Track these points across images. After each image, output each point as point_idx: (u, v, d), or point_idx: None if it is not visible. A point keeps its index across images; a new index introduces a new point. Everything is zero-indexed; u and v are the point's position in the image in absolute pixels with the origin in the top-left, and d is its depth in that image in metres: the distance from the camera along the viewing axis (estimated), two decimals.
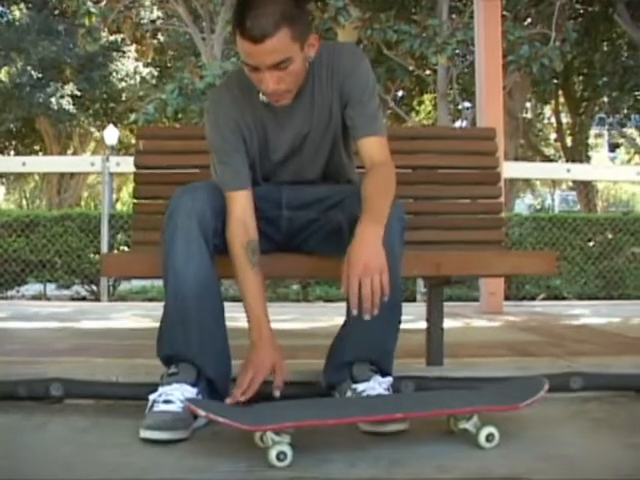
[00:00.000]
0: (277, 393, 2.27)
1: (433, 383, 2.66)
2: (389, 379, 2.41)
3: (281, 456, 1.92)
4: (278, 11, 2.19)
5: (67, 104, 21.76)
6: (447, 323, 3.18)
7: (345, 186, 2.59)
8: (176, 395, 2.23)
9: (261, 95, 2.40)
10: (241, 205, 2.43)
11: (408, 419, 2.20)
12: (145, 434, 2.14)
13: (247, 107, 2.45)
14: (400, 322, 2.46)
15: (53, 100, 21.42)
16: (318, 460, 1.98)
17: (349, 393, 2.36)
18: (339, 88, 2.45)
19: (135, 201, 3.25)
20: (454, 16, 12.82)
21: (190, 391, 2.26)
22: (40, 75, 21.49)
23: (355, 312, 2.11)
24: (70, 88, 21.85)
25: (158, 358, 2.41)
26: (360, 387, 2.34)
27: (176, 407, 2.19)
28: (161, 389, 2.27)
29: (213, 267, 2.37)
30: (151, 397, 2.27)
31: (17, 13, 22.79)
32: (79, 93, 22.21)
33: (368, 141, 2.43)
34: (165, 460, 1.99)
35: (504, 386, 2.48)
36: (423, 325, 3.17)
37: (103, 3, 11.97)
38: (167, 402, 2.21)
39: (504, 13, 9.16)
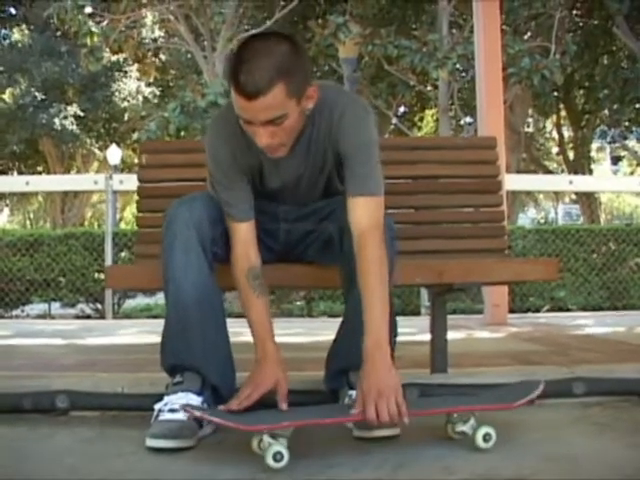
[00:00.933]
0: (283, 406, 2.23)
1: (437, 390, 2.67)
2: None
3: (277, 456, 1.92)
4: (273, 66, 2.11)
5: (70, 125, 21.83)
6: (451, 335, 3.19)
7: (336, 197, 2.54)
8: (181, 404, 2.24)
9: None
10: (243, 237, 2.42)
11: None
12: (151, 443, 2.15)
13: (243, 140, 2.36)
14: (395, 330, 2.47)
15: (56, 121, 21.49)
16: (322, 466, 1.99)
17: (346, 399, 2.37)
18: (335, 144, 2.38)
19: (139, 215, 3.27)
20: (454, 31, 12.88)
21: (195, 399, 2.27)
22: (43, 96, 21.57)
23: None
24: (73, 109, 21.93)
25: (162, 368, 2.42)
26: (355, 393, 2.31)
27: (182, 416, 2.20)
28: (166, 398, 2.28)
29: (213, 275, 2.39)
30: (156, 406, 2.28)
31: (19, 35, 22.91)
32: (82, 114, 22.28)
33: (356, 202, 2.33)
34: (170, 468, 2.01)
35: (501, 389, 2.49)
36: (428, 337, 3.18)
37: (105, 23, 12.04)
38: (172, 411, 2.22)
39: (503, 27, 9.19)
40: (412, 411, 2.11)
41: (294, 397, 2.42)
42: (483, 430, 2.13)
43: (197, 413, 2.05)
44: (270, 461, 1.92)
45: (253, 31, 12.57)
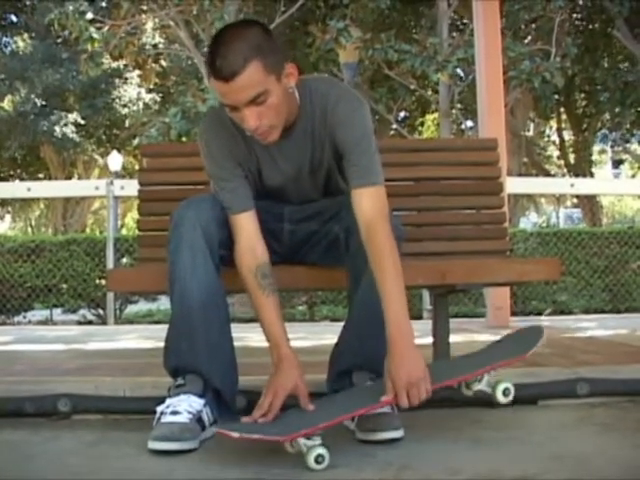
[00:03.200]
0: (310, 408, 2.22)
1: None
2: None
3: (319, 459, 1.94)
4: (245, 46, 2.15)
5: (71, 132, 21.85)
6: (453, 338, 3.18)
7: (340, 197, 2.54)
8: (183, 406, 2.23)
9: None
10: (246, 230, 2.40)
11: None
12: (153, 445, 2.15)
13: (239, 136, 2.39)
14: None
15: (57, 128, 21.50)
16: (326, 467, 1.98)
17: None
18: (332, 136, 2.39)
19: (140, 218, 3.27)
20: (454, 34, 12.88)
21: (197, 402, 2.26)
22: (44, 103, 21.58)
23: None
24: (74, 117, 21.94)
25: (165, 370, 2.41)
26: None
27: (184, 418, 2.19)
28: (168, 400, 2.28)
29: (219, 278, 2.37)
30: (159, 409, 2.28)
31: (21, 43, 22.94)
32: (83, 121, 22.30)
33: (360, 193, 2.33)
34: (173, 470, 2.00)
35: (506, 343, 2.49)
36: (430, 340, 3.18)
37: (105, 28, 12.05)
38: (175, 413, 2.21)
39: (504, 30, 9.19)
40: (436, 384, 2.12)
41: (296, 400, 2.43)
42: (502, 386, 2.17)
43: (235, 435, 2.00)
44: (313, 464, 1.93)
45: None
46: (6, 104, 21.67)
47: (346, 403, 2.21)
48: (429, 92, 15.60)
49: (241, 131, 2.33)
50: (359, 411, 2.12)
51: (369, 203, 2.31)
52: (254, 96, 2.17)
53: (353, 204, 2.34)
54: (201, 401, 2.28)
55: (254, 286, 2.36)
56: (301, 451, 1.97)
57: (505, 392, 2.16)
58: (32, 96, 21.42)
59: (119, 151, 22.97)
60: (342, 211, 2.47)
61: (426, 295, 7.79)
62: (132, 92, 23.14)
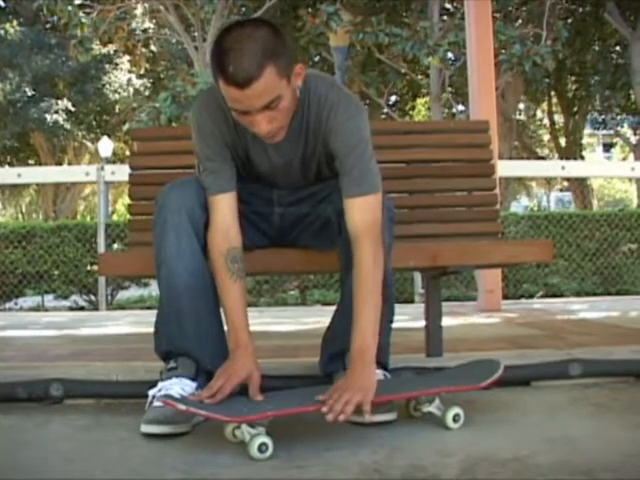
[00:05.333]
0: (258, 398, 2.16)
1: (402, 373, 2.66)
2: (382, 371, 2.40)
3: (263, 447, 1.92)
4: (259, 49, 2.06)
5: (62, 120, 21.77)
6: (445, 321, 3.18)
7: (332, 181, 2.49)
8: (175, 389, 2.23)
9: None
10: (222, 211, 2.36)
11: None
12: (146, 429, 2.15)
13: (231, 119, 2.32)
14: (392, 314, 2.47)
15: (48, 116, 21.42)
16: (319, 449, 1.98)
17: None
18: (326, 141, 2.36)
19: (131, 202, 3.25)
20: (445, 18, 12.85)
21: (189, 385, 2.26)
22: (34, 90, 21.48)
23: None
24: (64, 103, 21.85)
25: (156, 354, 2.40)
26: None
27: None
28: (160, 384, 2.27)
29: (205, 260, 2.36)
30: (150, 392, 2.27)
31: (10, 29, 22.79)
32: (73, 108, 22.22)
33: (352, 203, 2.30)
34: (166, 453, 2.00)
35: (463, 369, 2.48)
36: (422, 324, 3.18)
37: (95, 14, 11.99)
38: (167, 397, 2.20)
39: (494, 14, 9.17)
40: (382, 396, 2.11)
41: (289, 382, 2.42)
42: (453, 411, 2.17)
43: (181, 407, 1.99)
44: (255, 453, 1.91)
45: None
46: None
47: (298, 398, 2.19)
48: (420, 76, 15.59)
49: (234, 118, 2.29)
50: (308, 408, 2.06)
51: (358, 215, 2.29)
52: (268, 102, 2.11)
53: (345, 213, 2.32)
54: (193, 384, 2.27)
55: (223, 269, 2.32)
56: (244, 440, 1.95)
57: (455, 418, 2.15)
58: (22, 84, 21.32)
59: (109, 137, 22.91)
60: (333, 194, 2.45)
61: (418, 278, 7.80)
62: (122, 78, 23.08)
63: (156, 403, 2.21)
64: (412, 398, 2.27)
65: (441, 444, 2.01)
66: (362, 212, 2.29)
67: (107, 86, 23.08)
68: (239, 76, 2.05)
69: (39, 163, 24.70)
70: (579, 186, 19.66)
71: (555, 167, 9.67)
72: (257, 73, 2.05)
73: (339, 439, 2.07)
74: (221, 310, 2.38)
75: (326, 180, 2.54)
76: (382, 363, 2.41)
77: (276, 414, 1.99)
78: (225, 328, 2.37)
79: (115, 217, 22.82)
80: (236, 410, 2.01)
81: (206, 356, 2.32)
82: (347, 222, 2.31)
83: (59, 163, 24.95)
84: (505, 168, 7.59)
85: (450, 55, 12.35)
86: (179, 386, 2.24)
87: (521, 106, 22.44)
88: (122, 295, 9.80)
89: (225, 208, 2.37)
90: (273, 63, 2.08)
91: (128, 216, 3.31)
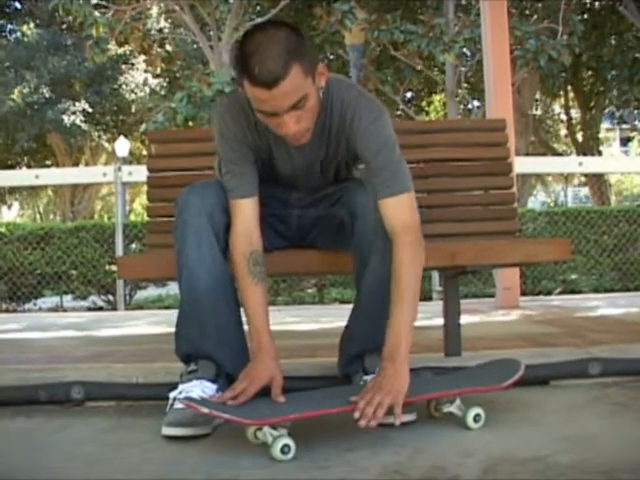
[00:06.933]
0: (281, 399, 2.16)
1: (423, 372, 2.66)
2: None
3: (285, 449, 1.93)
4: (283, 50, 2.06)
5: (79, 121, 21.85)
6: (463, 319, 3.18)
7: (345, 183, 2.54)
8: (196, 392, 2.24)
9: None
10: (245, 215, 2.37)
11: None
12: (167, 431, 2.16)
13: (253, 121, 2.34)
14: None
15: (65, 117, 21.51)
16: (341, 449, 1.99)
17: (361, 384, 2.35)
18: (353, 145, 2.36)
19: (149, 205, 3.27)
20: (460, 14, 12.80)
21: (210, 387, 2.27)
22: (51, 92, 21.56)
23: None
24: (81, 105, 21.94)
25: (177, 356, 2.42)
26: (370, 379, 2.30)
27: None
28: (181, 386, 2.29)
29: (226, 263, 2.37)
30: (171, 395, 2.29)
31: (27, 31, 22.90)
32: (90, 109, 22.30)
33: (385, 204, 2.31)
34: (187, 455, 2.01)
35: (483, 370, 2.48)
36: (440, 322, 3.18)
37: (110, 14, 12.03)
38: (188, 399, 2.21)
39: (510, 10, 9.14)
40: (406, 398, 2.10)
41: (307, 383, 2.43)
42: (474, 411, 2.17)
43: (204, 410, 1.99)
44: (278, 454, 1.92)
45: (259, 20, 12.55)
46: (15, 95, 21.62)
47: (320, 400, 2.19)
48: (435, 72, 15.53)
49: (258, 120, 2.29)
50: (331, 410, 2.07)
51: (392, 215, 2.30)
52: (296, 101, 2.11)
53: (382, 214, 2.33)
54: (214, 386, 2.28)
55: (245, 272, 2.33)
56: (266, 441, 1.96)
57: (476, 418, 2.16)
58: (40, 85, 21.40)
59: (126, 137, 22.96)
60: (344, 196, 2.48)
61: (436, 276, 7.79)
62: (138, 78, 23.15)
63: (178, 405, 2.22)
64: (433, 399, 2.28)
65: (462, 444, 2.01)
66: (396, 212, 2.31)
67: (123, 86, 23.16)
68: (266, 76, 2.05)
69: (56, 163, 24.80)
70: (597, 182, 19.58)
71: (572, 163, 9.63)
72: (283, 72, 2.05)
73: (360, 439, 2.07)
74: (241, 313, 2.38)
75: (341, 182, 2.56)
76: None
77: (298, 417, 2.00)
78: (246, 329, 2.37)
79: (133, 217, 22.90)
80: (258, 412, 2.01)
81: (227, 359, 2.33)
82: (385, 223, 2.32)
83: (76, 163, 25.05)
84: (522, 165, 7.57)
85: (466, 51, 12.32)
86: (200, 388, 2.25)
87: (537, 101, 22.34)
88: (140, 295, 9.84)
89: (248, 212, 2.38)
90: (298, 62, 2.08)
91: (146, 217, 3.32)
